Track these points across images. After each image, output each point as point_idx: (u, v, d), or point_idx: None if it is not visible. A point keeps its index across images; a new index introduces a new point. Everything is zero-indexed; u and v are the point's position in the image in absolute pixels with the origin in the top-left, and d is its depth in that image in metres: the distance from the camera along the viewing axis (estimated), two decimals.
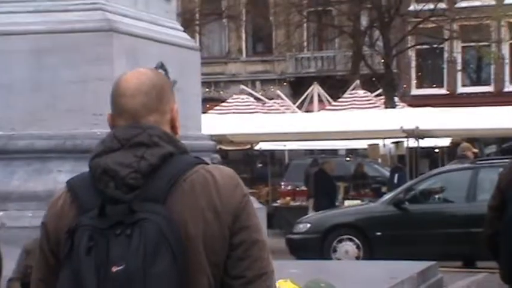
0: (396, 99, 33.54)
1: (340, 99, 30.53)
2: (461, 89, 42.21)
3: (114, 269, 2.62)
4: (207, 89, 36.23)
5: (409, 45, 40.36)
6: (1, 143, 8.89)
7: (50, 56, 9.49)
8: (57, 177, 9.06)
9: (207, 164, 2.94)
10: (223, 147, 23.87)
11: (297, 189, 25.87)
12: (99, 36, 9.55)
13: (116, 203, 2.73)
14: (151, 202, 2.74)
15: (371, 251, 15.13)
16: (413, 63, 43.41)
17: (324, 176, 22.03)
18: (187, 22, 36.34)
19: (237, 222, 2.81)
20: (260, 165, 35.52)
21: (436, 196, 16.26)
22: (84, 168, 2.94)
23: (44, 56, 9.51)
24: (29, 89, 9.25)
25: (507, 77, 42.07)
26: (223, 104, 31.42)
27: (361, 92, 30.48)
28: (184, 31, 11.94)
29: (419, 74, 43.68)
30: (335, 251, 15.78)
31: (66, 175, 8.97)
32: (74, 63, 9.41)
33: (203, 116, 12.69)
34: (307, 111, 30.03)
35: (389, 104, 31.46)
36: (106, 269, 2.63)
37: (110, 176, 2.77)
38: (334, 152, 31.52)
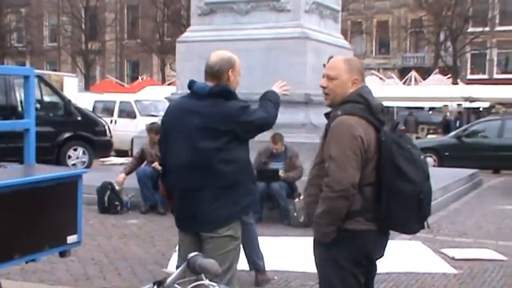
0: (458, 80, 32.01)
1: (426, 80, 29.51)
2: (496, 76, 39.53)
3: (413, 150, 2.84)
4: None
5: (467, 50, 38.44)
6: (245, 98, 8.93)
7: (273, 51, 9.45)
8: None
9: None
10: None
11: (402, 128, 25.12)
12: (299, 41, 9.44)
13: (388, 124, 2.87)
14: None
15: (442, 163, 14.59)
16: (469, 61, 41.11)
17: (447, 122, 21.34)
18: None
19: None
20: None
21: (480, 134, 15.35)
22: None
23: (271, 51, 9.47)
24: (262, 69, 9.23)
25: None
26: None
27: (439, 76, 29.56)
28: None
29: (472, 67, 41.13)
30: None
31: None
32: (286, 55, 9.33)
33: None
34: (408, 85, 29.20)
35: (455, 83, 30.17)
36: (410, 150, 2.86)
37: (384, 111, 2.92)
38: (421, 109, 30.22)
